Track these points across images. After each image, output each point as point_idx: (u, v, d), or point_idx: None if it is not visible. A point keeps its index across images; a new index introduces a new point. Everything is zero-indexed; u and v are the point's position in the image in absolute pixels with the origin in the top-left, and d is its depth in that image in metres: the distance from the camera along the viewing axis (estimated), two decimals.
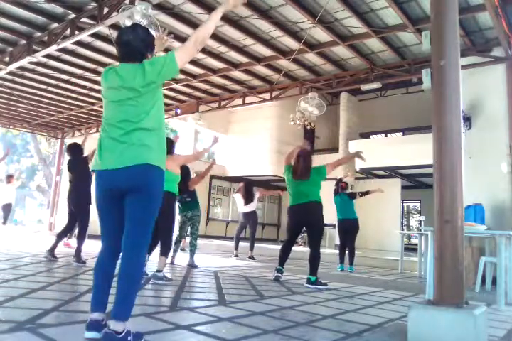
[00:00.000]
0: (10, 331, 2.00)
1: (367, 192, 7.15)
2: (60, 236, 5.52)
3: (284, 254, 4.75)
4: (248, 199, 7.65)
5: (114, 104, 2.10)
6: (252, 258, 7.44)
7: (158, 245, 4.43)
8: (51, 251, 5.31)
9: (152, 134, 2.05)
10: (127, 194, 2.02)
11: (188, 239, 5.87)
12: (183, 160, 4.60)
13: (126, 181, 2.00)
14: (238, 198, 7.87)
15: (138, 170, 1.99)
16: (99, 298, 2.02)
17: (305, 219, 4.63)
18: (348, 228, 6.74)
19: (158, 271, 4.08)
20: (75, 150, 5.62)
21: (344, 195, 6.88)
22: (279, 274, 4.64)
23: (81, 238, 5.36)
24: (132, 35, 2.14)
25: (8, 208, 9.91)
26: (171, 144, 4.52)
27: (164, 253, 4.29)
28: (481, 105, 6.96)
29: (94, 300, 2.02)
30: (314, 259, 4.50)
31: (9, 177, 10.07)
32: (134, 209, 2.00)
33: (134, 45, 2.12)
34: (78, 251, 5.17)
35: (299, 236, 11.68)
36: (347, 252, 6.70)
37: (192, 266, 5.56)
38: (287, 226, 4.88)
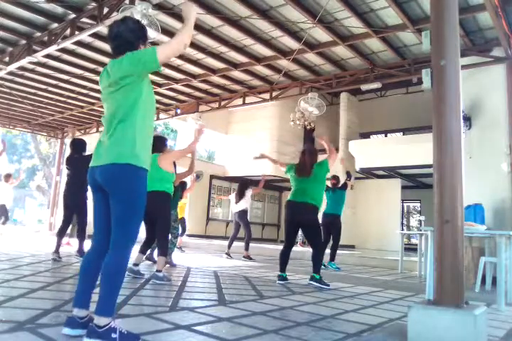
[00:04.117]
0: (10, 331, 2.00)
1: (348, 174, 7.27)
2: (60, 234, 5.43)
3: (284, 259, 4.65)
4: (240, 198, 7.64)
5: (104, 101, 2.12)
6: (247, 258, 7.36)
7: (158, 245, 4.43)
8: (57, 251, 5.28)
9: (131, 130, 2.01)
10: (108, 193, 2.04)
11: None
12: (175, 155, 4.47)
13: (101, 180, 2.03)
14: (232, 198, 7.94)
15: (109, 169, 2.00)
16: (80, 294, 2.03)
17: (297, 219, 4.58)
18: (333, 223, 6.72)
19: (157, 271, 4.08)
20: (79, 146, 5.55)
21: (338, 189, 6.87)
22: (281, 282, 4.51)
23: (81, 237, 5.35)
24: (122, 27, 2.12)
25: (3, 209, 9.73)
26: (161, 142, 4.38)
27: (162, 253, 4.28)
28: (481, 105, 6.95)
29: (75, 295, 2.04)
30: (315, 257, 4.49)
31: (7, 177, 9.93)
32: (113, 208, 2.01)
33: (124, 37, 2.10)
34: (81, 250, 5.18)
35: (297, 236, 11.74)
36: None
37: (170, 264, 5.50)
38: (284, 229, 4.80)
